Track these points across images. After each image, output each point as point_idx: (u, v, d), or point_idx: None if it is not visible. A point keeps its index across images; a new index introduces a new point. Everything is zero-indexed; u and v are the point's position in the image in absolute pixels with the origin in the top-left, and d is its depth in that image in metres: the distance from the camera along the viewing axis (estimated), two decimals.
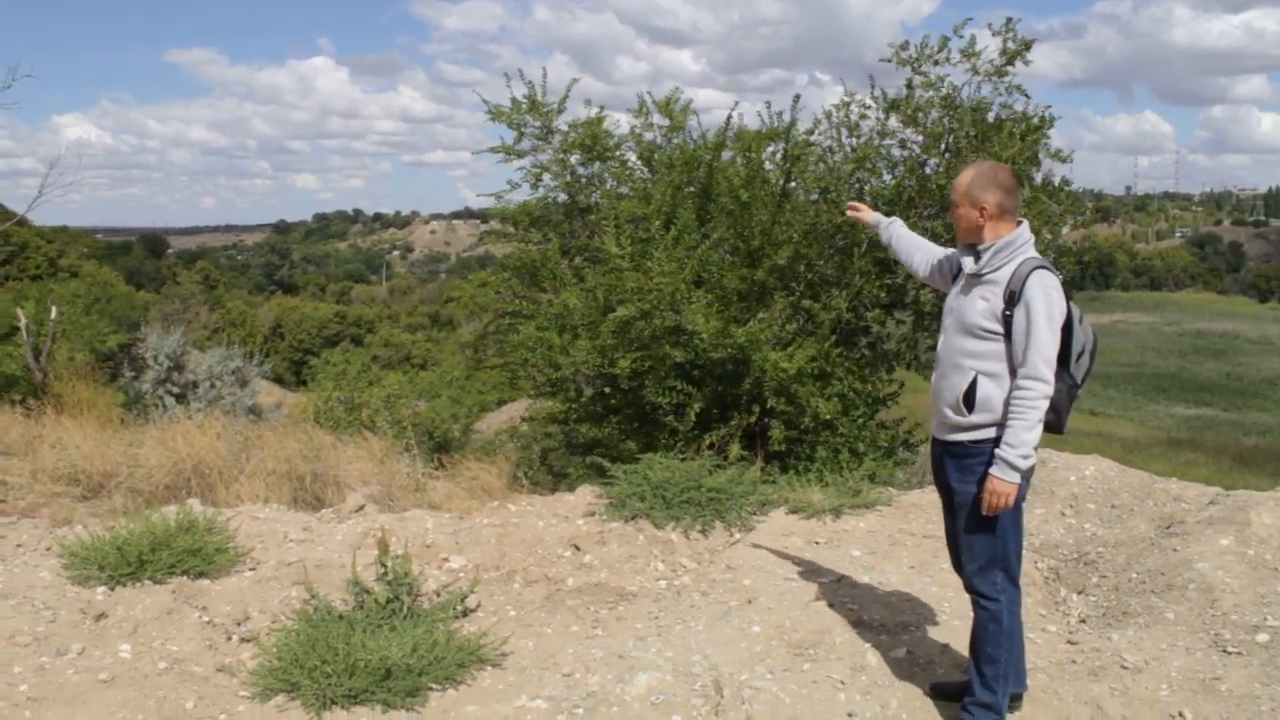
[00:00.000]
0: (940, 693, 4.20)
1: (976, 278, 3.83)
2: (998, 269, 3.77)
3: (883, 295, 9.38)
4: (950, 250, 4.26)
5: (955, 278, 4.06)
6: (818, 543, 6.19)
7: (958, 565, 4.15)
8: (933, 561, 5.82)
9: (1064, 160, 9.25)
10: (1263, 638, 4.50)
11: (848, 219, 9.02)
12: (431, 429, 14.90)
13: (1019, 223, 3.84)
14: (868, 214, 4.64)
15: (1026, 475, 3.76)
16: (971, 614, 4.92)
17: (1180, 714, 3.97)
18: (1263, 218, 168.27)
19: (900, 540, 6.24)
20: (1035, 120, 9.06)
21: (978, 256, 3.85)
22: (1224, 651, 4.43)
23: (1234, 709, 3.98)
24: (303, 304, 76.34)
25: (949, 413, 3.85)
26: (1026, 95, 9.06)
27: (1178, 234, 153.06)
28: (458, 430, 16.08)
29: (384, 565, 4.69)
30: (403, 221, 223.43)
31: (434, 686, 4.10)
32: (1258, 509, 5.74)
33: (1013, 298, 3.67)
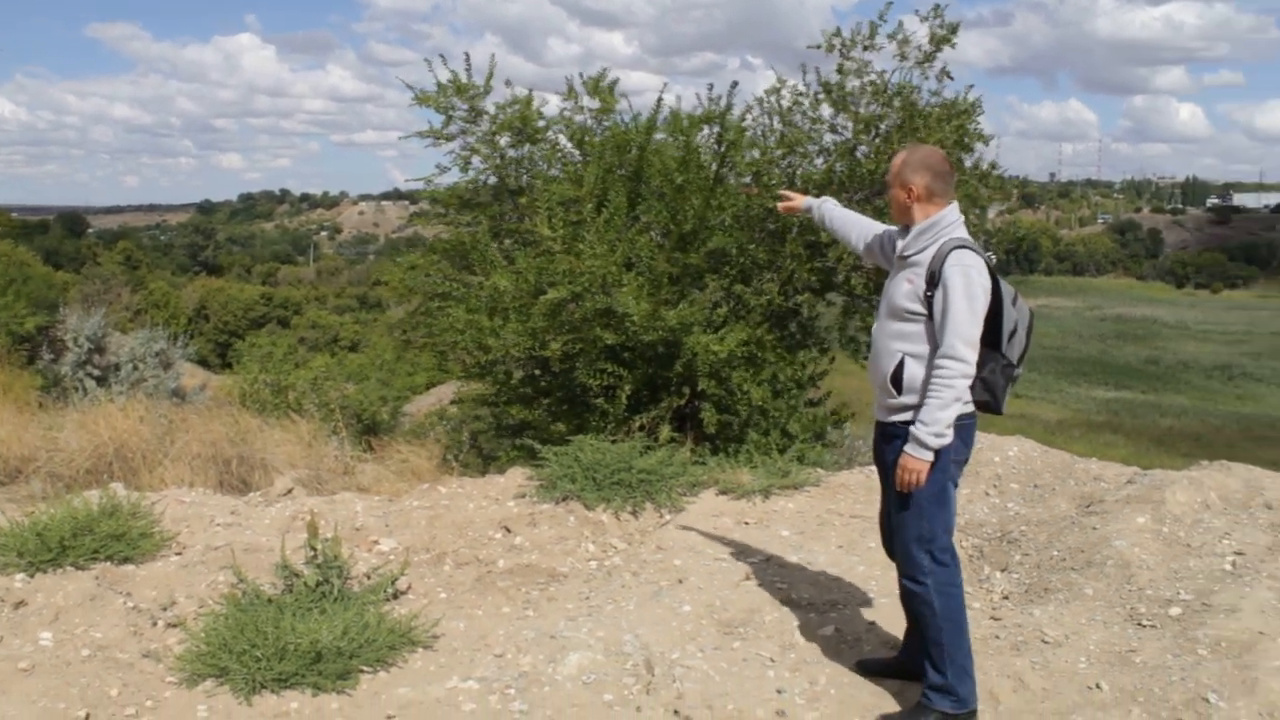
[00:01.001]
0: (867, 669, 4.26)
1: (904, 260, 3.87)
2: (922, 250, 3.80)
3: (813, 279, 9.47)
4: (889, 227, 4.25)
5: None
6: (747, 523, 6.25)
7: (889, 545, 4.19)
8: (860, 541, 5.91)
9: (985, 141, 9.39)
10: (1175, 611, 4.64)
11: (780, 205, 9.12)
12: (360, 412, 14.77)
13: (948, 205, 3.86)
14: (798, 200, 4.61)
15: (959, 457, 3.79)
16: (895, 594, 5.02)
17: (1098, 685, 4.08)
18: (1180, 206, 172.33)
19: (828, 520, 6.32)
20: (962, 106, 9.19)
21: (907, 237, 3.90)
22: (1139, 625, 4.57)
23: (1148, 679, 4.10)
24: (228, 285, 75.16)
25: (880, 395, 3.89)
26: (951, 78, 9.18)
27: (1100, 220, 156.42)
28: (386, 413, 15.95)
29: (314, 548, 4.65)
30: (331, 202, 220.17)
31: (365, 669, 4.07)
32: (1172, 488, 5.91)
33: (933, 278, 3.70)
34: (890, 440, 3.89)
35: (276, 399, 14.74)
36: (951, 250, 3.70)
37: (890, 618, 4.74)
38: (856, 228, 4.37)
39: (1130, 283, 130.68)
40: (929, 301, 3.72)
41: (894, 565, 5.33)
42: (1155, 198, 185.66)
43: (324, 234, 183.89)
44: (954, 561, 3.92)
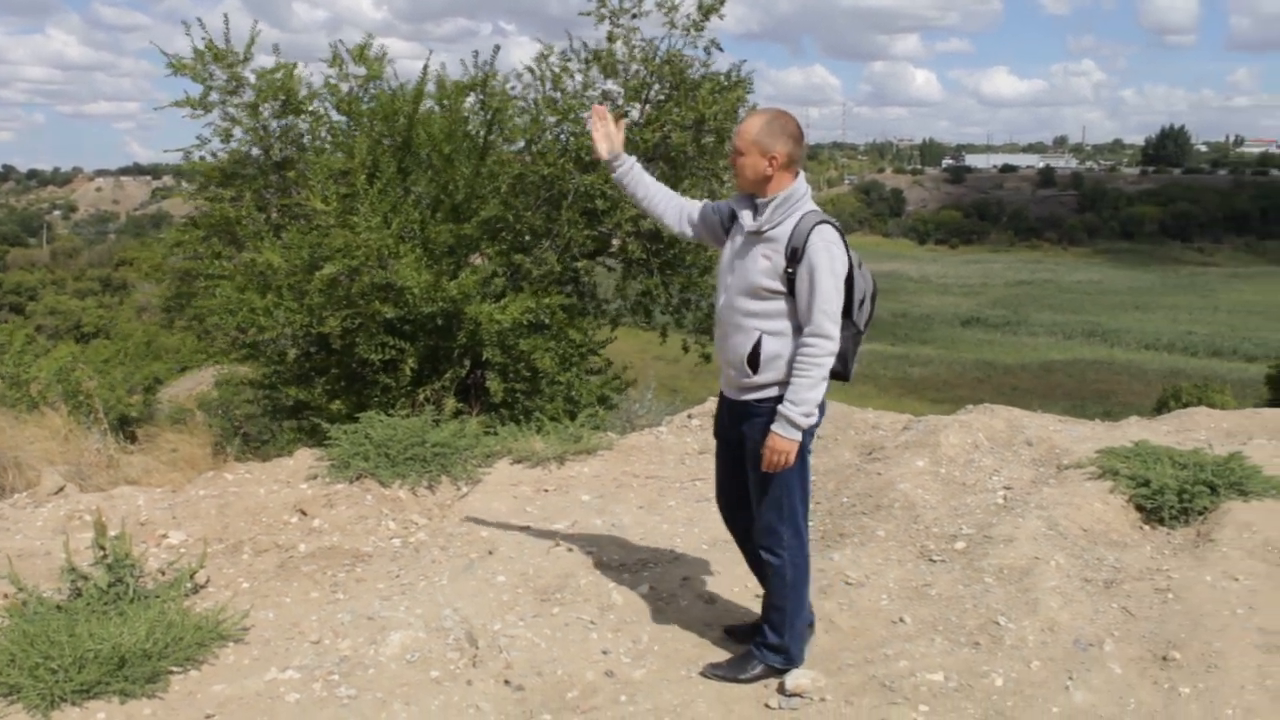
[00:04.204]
0: (735, 635, 4.27)
1: (757, 235, 3.74)
2: (777, 225, 3.70)
3: (591, 245, 9.55)
4: (709, 202, 4.13)
5: (729, 231, 3.95)
6: (547, 490, 6.28)
7: (731, 517, 4.16)
8: (660, 500, 6.03)
9: None
10: (960, 545, 4.98)
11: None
12: (109, 406, 13.91)
13: (798, 175, 3.77)
14: (604, 142, 4.14)
15: (811, 431, 3.76)
16: (703, 548, 5.18)
17: (901, 619, 4.35)
18: (919, 166, 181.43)
19: (626, 482, 6.42)
20: (734, 78, 9.45)
21: (756, 210, 3.78)
22: (930, 560, 4.88)
23: (944, 609, 4.41)
24: None
25: (733, 373, 3.82)
26: (720, 49, 9.42)
27: (846, 181, 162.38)
28: (137, 405, 15.07)
29: (102, 547, 4.37)
30: (63, 179, 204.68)
31: (175, 669, 3.87)
32: (945, 431, 6.32)
33: (795, 255, 3.62)
34: (746, 418, 3.83)
35: (16, 393, 13.73)
36: (815, 226, 3.63)
37: (701, 572, 4.89)
38: (669, 201, 4.15)
39: (878, 240, 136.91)
40: (789, 278, 3.64)
41: (699, 523, 5.51)
42: (896, 159, 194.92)
43: (57, 213, 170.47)
44: (806, 533, 3.96)
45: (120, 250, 71.35)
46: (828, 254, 3.60)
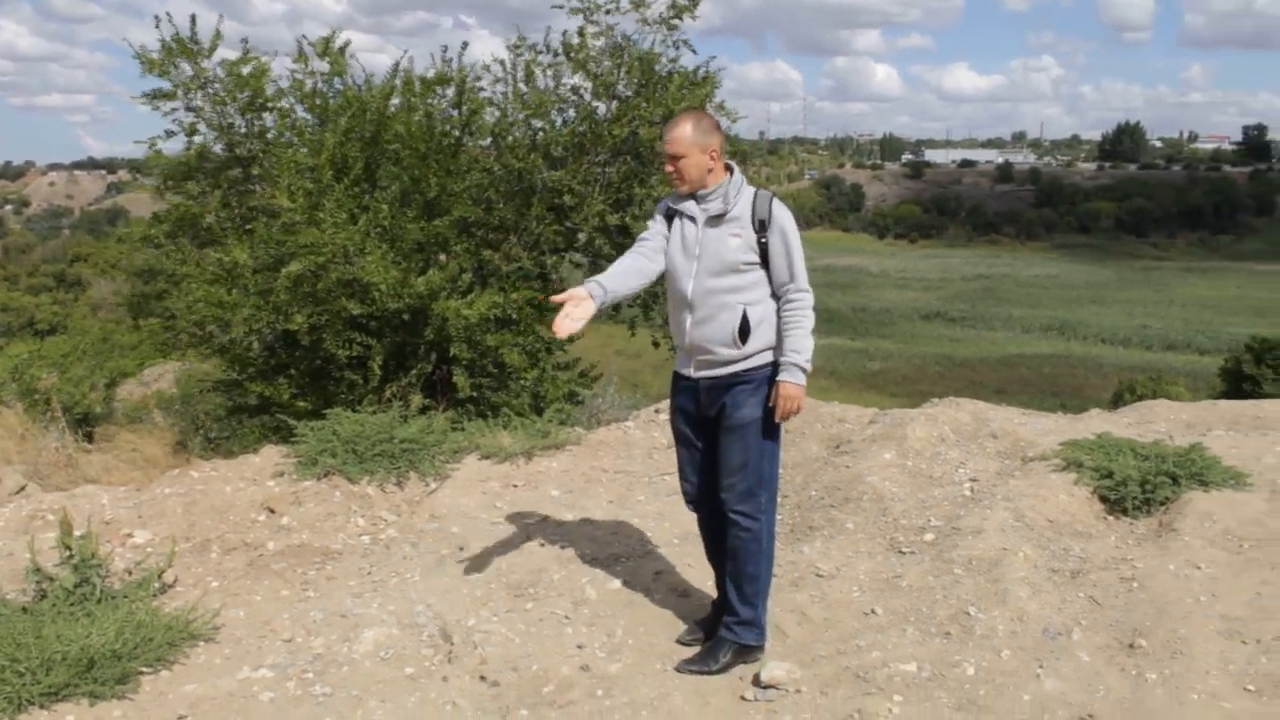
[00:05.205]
0: (705, 627, 4.29)
1: (719, 219, 3.95)
2: (737, 204, 3.95)
3: (559, 240, 9.53)
4: (654, 226, 4.12)
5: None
6: (516, 486, 6.27)
7: (699, 497, 4.20)
8: (629, 495, 6.04)
9: (734, 120, 9.74)
10: (929, 537, 5.03)
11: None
12: (69, 404, 13.73)
13: (728, 162, 4.03)
14: (581, 306, 3.81)
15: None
16: (674, 543, 5.19)
17: (873, 610, 4.39)
18: (879, 161, 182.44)
19: (595, 477, 6.42)
20: (703, 75, 9.47)
21: (699, 201, 3.98)
22: (900, 552, 4.92)
23: (915, 600, 4.45)
24: None
25: (721, 350, 3.94)
26: (694, 50, 9.43)
27: (807, 176, 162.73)
28: (98, 402, 14.88)
29: (68, 547, 4.32)
30: (15, 173, 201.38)
31: (145, 670, 3.83)
32: (912, 425, 6.37)
33: (763, 225, 3.91)
34: (728, 389, 3.96)
35: None
36: (771, 198, 3.97)
37: (672, 566, 4.91)
38: (641, 263, 4.04)
39: (838, 235, 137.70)
40: (763, 248, 3.92)
41: (669, 518, 5.52)
42: (857, 154, 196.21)
43: (9, 208, 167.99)
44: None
45: (75, 246, 70.43)
46: (790, 219, 3.96)
